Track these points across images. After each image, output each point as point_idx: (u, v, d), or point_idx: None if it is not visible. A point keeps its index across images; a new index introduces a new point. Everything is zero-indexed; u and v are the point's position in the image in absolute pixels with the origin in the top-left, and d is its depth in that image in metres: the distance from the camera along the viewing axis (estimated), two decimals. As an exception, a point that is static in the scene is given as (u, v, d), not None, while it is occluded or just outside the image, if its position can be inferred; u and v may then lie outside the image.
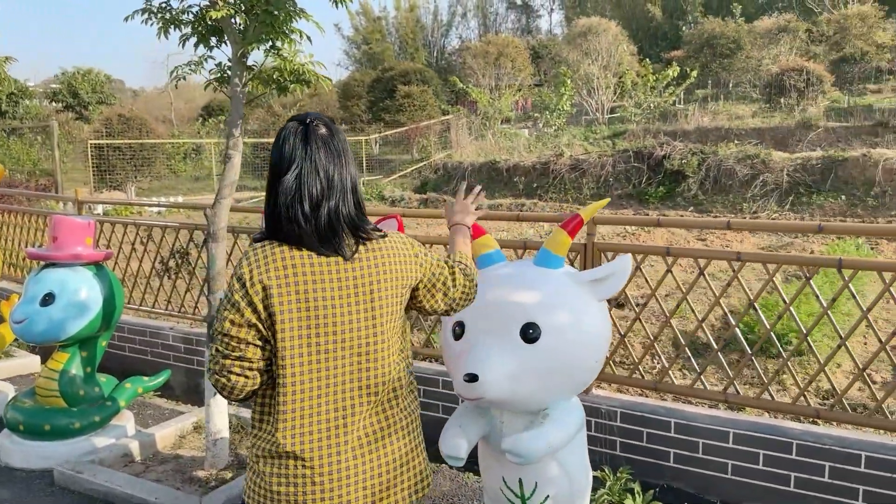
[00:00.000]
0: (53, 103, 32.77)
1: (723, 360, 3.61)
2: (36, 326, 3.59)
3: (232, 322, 1.61)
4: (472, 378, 2.12)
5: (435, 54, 51.69)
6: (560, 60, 28.04)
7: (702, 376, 3.39)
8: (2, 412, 4.00)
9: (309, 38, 3.22)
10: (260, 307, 1.60)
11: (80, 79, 32.67)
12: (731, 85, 26.06)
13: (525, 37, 45.76)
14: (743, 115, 20.95)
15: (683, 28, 38.01)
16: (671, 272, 3.40)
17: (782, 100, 19.42)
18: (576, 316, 2.30)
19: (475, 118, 21.31)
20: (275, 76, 3.27)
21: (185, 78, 3.38)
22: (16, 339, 4.88)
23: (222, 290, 3.43)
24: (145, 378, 4.10)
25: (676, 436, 3.31)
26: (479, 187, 2.37)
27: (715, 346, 3.47)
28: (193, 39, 3.33)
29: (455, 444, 2.27)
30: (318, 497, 1.63)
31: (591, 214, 2.69)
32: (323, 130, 1.67)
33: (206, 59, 3.37)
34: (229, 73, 3.49)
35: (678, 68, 22.09)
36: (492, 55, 25.69)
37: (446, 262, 1.87)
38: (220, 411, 3.50)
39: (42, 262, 3.76)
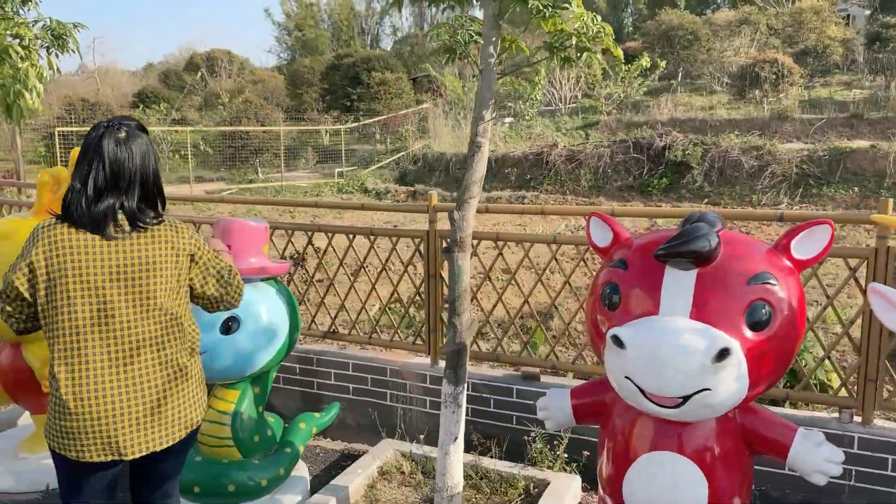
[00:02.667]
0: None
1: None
2: (219, 360, 2.80)
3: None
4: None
5: (370, 42, 50.58)
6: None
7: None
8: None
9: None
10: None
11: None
12: (693, 76, 26.40)
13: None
14: (712, 106, 21.18)
15: (628, 21, 38.46)
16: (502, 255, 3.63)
17: (757, 91, 19.65)
18: None
19: (448, 107, 20.62)
20: (570, 42, 2.61)
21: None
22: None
23: (468, 311, 2.76)
24: (316, 414, 3.35)
25: None
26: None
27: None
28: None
29: None
30: None
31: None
32: (122, 134, 2.05)
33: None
34: (467, 37, 2.82)
35: (648, 59, 22.10)
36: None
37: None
38: (457, 461, 2.82)
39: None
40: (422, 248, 3.99)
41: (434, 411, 3.96)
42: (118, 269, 1.98)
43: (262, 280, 3.00)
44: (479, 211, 2.95)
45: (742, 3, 29.56)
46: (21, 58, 3.88)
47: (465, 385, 2.81)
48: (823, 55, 23.83)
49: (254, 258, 2.96)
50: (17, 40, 4.12)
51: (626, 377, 1.81)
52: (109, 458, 1.98)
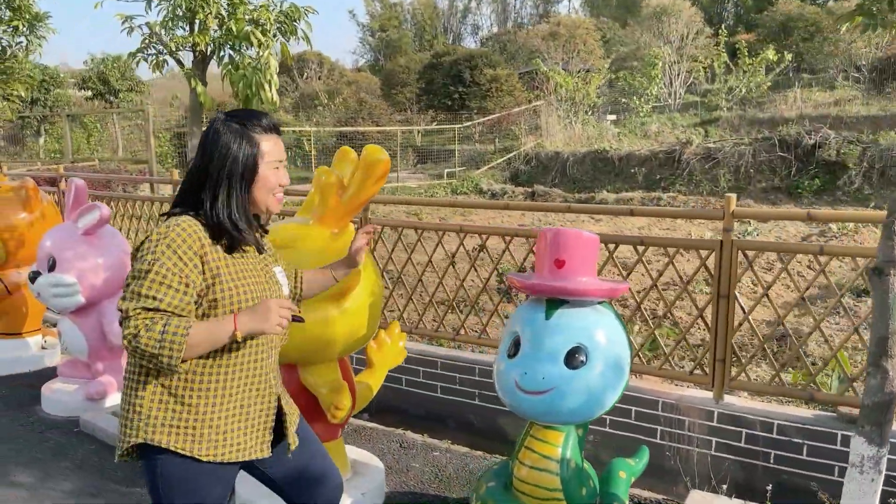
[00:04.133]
0: (82, 91, 31.42)
1: None
2: (568, 400, 2.31)
3: None
4: None
5: (452, 41, 50.22)
6: (629, 43, 26.69)
7: None
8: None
9: None
10: None
11: (110, 65, 31.26)
12: (814, 70, 24.68)
13: (539, 24, 44.08)
14: (838, 102, 19.60)
15: (728, 13, 36.46)
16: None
17: (899, 85, 18.03)
18: None
19: (560, 105, 19.89)
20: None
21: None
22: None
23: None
24: (630, 461, 2.81)
25: None
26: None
27: None
28: None
29: None
30: None
31: None
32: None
33: None
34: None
35: (774, 52, 20.71)
36: (562, 37, 24.25)
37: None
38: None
39: (536, 298, 2.47)
40: (710, 261, 3.41)
41: (721, 454, 3.38)
42: None
43: (600, 303, 2.49)
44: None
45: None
46: (261, 45, 3.53)
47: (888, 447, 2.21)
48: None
49: (587, 277, 2.46)
50: (257, 26, 3.82)
51: None
52: None
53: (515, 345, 2.45)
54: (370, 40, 51.40)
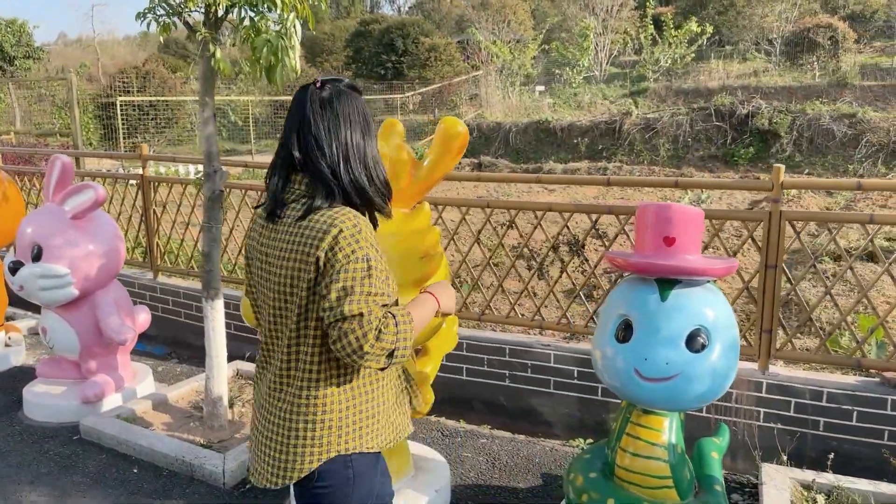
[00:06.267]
0: (-32, 57, 28.66)
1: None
2: (695, 385, 2.22)
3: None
4: None
5: (370, 9, 49.17)
6: (556, 15, 26.82)
7: None
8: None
9: None
10: None
11: (4, 30, 28.63)
12: (729, 42, 25.64)
13: None
14: (755, 73, 20.46)
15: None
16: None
17: (815, 57, 18.97)
18: None
19: (498, 75, 19.77)
20: None
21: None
22: None
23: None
24: (715, 440, 2.76)
25: None
26: None
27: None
28: None
29: None
30: None
31: None
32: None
33: None
34: None
35: (696, 24, 21.31)
36: (493, 7, 24.08)
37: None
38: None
39: (642, 278, 2.34)
40: (757, 232, 3.39)
41: (769, 424, 3.40)
42: None
43: (710, 282, 2.39)
44: None
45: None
46: (284, 6, 3.18)
47: None
48: (871, 20, 23.17)
49: (695, 254, 2.35)
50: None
51: None
52: None
53: (625, 328, 2.32)
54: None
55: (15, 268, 3.49)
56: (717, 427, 2.85)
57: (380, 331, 1.48)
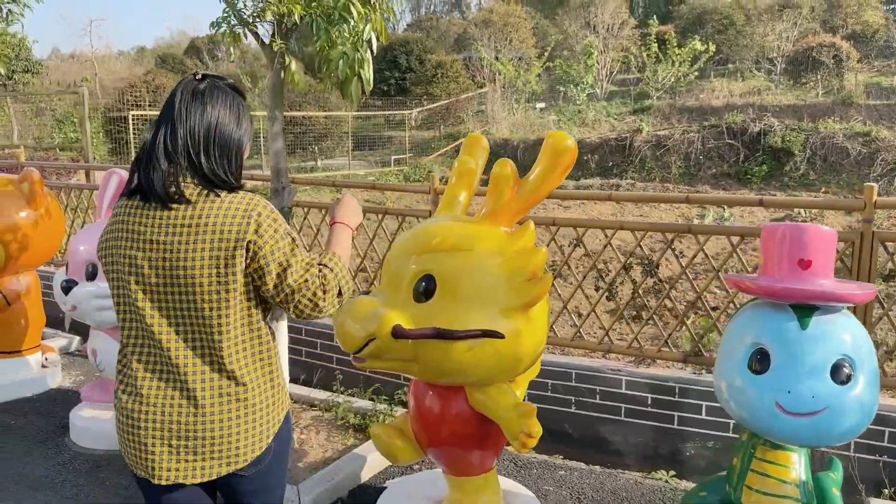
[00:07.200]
0: (-36, 70, 28.42)
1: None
2: (844, 420, 2.07)
3: None
4: None
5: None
6: (556, 33, 26.93)
7: None
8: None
9: None
10: None
11: (0, 43, 28.47)
12: (729, 61, 25.81)
13: (451, 13, 43.34)
14: (757, 91, 20.55)
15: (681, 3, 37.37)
16: None
17: (818, 76, 19.08)
18: None
19: (503, 92, 19.74)
20: None
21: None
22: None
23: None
24: (832, 474, 2.60)
25: None
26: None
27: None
28: None
29: None
30: None
31: None
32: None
33: None
34: None
35: (700, 42, 21.42)
36: (496, 25, 24.14)
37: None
38: None
39: (775, 303, 2.20)
40: (847, 253, 3.27)
41: (869, 456, 3.26)
42: None
43: (847, 307, 2.25)
44: None
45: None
46: (360, 17, 3.05)
47: None
48: (872, 40, 23.37)
49: (829, 278, 2.21)
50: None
51: None
52: None
53: (760, 358, 2.17)
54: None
55: (69, 287, 3.31)
56: (829, 460, 2.69)
57: (323, 285, 1.68)
